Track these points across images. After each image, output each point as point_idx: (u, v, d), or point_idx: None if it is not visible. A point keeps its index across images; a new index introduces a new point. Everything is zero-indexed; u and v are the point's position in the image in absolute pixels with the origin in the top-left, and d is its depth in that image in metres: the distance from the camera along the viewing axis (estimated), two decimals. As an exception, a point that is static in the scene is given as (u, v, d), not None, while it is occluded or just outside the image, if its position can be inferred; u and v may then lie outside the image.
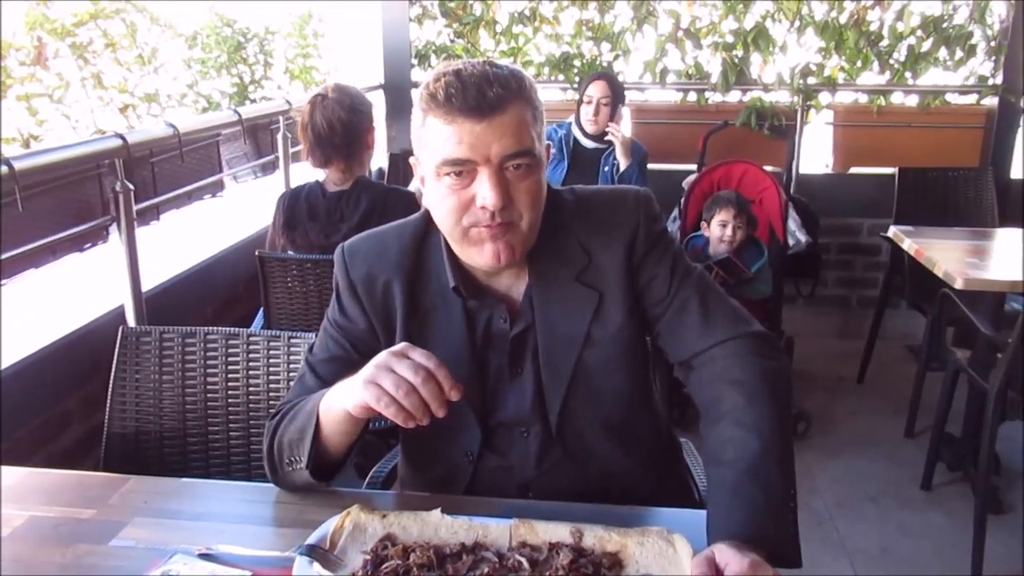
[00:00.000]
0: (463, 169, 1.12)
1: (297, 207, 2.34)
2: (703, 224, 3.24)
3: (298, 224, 2.33)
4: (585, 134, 3.52)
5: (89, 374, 2.14)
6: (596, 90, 3.44)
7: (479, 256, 1.17)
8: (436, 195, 1.16)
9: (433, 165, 1.13)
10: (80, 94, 7.14)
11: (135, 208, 2.22)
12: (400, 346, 1.05)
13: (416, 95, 1.16)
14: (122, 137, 2.15)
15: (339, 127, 2.27)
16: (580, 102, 3.51)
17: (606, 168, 3.50)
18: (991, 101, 4.12)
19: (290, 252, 2.35)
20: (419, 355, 1.02)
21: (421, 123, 1.14)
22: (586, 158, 3.54)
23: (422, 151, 1.17)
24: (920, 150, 4.13)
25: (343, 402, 1.08)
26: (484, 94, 1.08)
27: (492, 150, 1.10)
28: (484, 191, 1.11)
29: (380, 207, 2.29)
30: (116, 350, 1.56)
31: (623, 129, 3.49)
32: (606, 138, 3.46)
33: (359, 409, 1.05)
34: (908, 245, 2.92)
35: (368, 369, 1.04)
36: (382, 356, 1.04)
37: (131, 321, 2.22)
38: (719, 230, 3.14)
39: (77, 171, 2.22)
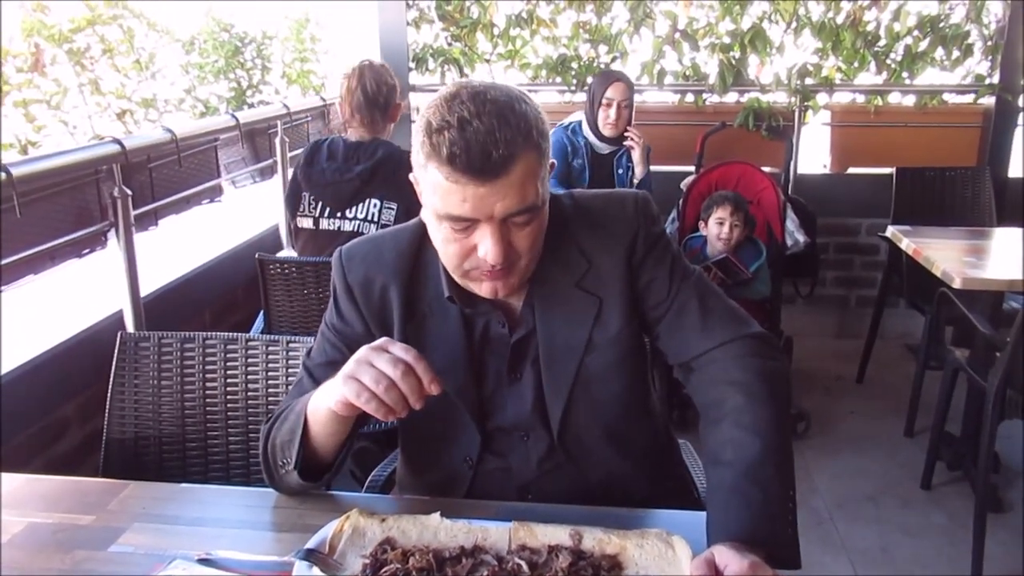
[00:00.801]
0: (465, 223, 1.09)
1: (319, 150, 2.50)
2: (701, 223, 3.24)
3: (316, 162, 2.47)
4: (599, 137, 3.42)
5: (88, 380, 2.14)
6: (616, 93, 3.33)
7: (478, 290, 1.18)
8: (436, 235, 1.15)
9: (433, 211, 1.11)
10: (78, 100, 7.13)
11: (133, 213, 2.22)
12: (380, 341, 1.05)
13: (419, 124, 1.09)
14: (120, 143, 2.15)
15: (386, 89, 2.50)
16: (595, 105, 3.38)
17: (620, 171, 3.44)
18: (988, 100, 4.12)
19: (305, 193, 2.49)
20: (398, 349, 1.03)
21: (423, 164, 1.09)
22: (601, 162, 3.47)
23: (424, 187, 1.13)
24: (917, 150, 4.14)
25: (327, 401, 1.08)
26: (488, 156, 1.03)
27: (495, 209, 1.07)
28: (486, 246, 1.09)
29: (396, 161, 2.41)
30: (115, 356, 1.56)
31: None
32: (625, 143, 3.40)
33: (341, 406, 1.05)
34: (906, 245, 2.92)
35: (348, 365, 1.04)
36: (362, 351, 1.04)
37: (130, 327, 2.22)
38: (716, 228, 3.14)
39: (75, 177, 2.22)
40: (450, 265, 1.16)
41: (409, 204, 2.23)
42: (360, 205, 2.40)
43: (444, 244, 1.14)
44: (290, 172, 3.17)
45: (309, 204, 2.47)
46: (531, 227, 1.12)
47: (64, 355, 2.12)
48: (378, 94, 2.49)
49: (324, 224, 2.44)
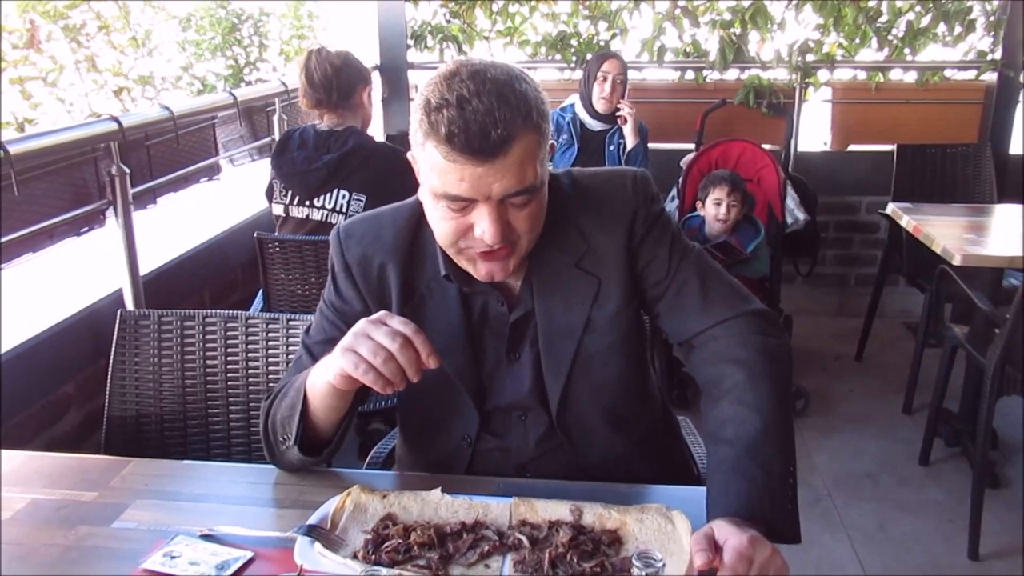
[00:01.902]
0: (463, 203, 1.08)
1: (291, 139, 2.46)
2: (698, 204, 3.24)
3: (287, 150, 2.44)
4: (592, 115, 3.49)
5: (88, 358, 2.14)
6: (611, 67, 3.42)
7: (473, 271, 1.17)
8: (433, 213, 1.14)
9: (430, 189, 1.10)
10: (74, 77, 7.09)
11: (131, 192, 2.21)
12: (379, 314, 1.05)
13: (418, 102, 1.07)
14: (117, 120, 2.14)
15: (331, 72, 2.40)
16: (590, 81, 3.46)
17: (611, 147, 3.48)
18: (990, 77, 4.10)
19: (276, 180, 2.48)
20: (397, 322, 1.03)
21: (421, 142, 1.08)
22: (592, 139, 3.52)
23: (421, 166, 1.12)
24: (919, 126, 4.12)
25: (325, 375, 1.08)
26: (487, 136, 1.01)
27: (493, 189, 1.05)
28: (483, 226, 1.08)
29: (365, 153, 2.38)
30: (115, 334, 1.57)
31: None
32: (617, 115, 3.44)
33: (339, 379, 1.05)
34: (906, 222, 2.92)
35: (347, 338, 1.04)
36: (360, 324, 1.05)
37: (129, 305, 2.22)
38: (713, 209, 3.14)
39: (72, 155, 2.20)
40: (444, 243, 1.15)
41: (379, 198, 2.09)
42: (328, 195, 2.37)
43: (440, 222, 1.13)
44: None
45: (280, 192, 2.46)
46: (529, 208, 1.11)
47: (64, 334, 2.12)
48: (327, 80, 2.39)
49: (294, 212, 2.44)
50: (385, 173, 2.34)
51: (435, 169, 1.07)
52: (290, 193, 2.43)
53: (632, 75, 4.10)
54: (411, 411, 1.36)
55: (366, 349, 1.01)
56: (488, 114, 1.02)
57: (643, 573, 0.83)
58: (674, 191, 3.54)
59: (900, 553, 2.44)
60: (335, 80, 2.40)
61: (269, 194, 2.52)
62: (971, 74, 4.20)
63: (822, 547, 2.46)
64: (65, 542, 1.06)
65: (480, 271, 1.16)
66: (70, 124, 2.70)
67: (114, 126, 2.12)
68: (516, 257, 1.15)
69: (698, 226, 3.24)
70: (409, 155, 1.16)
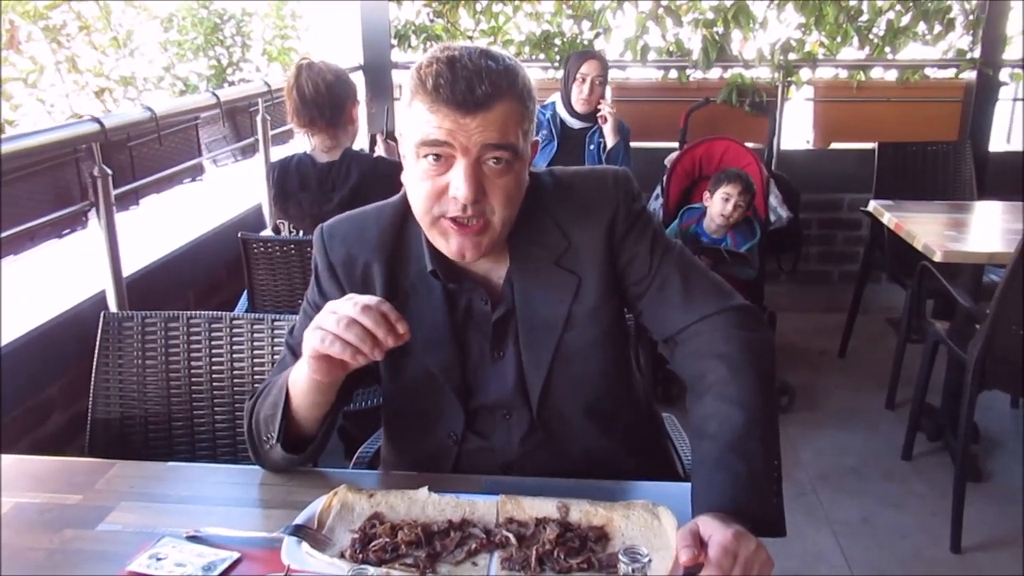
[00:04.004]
0: (441, 153, 1.09)
1: (288, 178, 2.38)
2: (705, 195, 3.23)
3: (290, 195, 2.38)
4: (572, 114, 3.50)
5: (72, 360, 2.12)
6: (590, 68, 3.42)
7: (445, 247, 1.17)
8: (413, 176, 1.15)
9: (413, 144, 1.12)
10: (55, 78, 7.03)
11: (114, 193, 2.20)
12: (345, 296, 1.06)
13: (407, 75, 1.13)
14: (99, 121, 2.12)
15: (324, 88, 2.31)
16: (569, 81, 3.47)
17: (591, 147, 3.50)
18: (969, 75, 4.14)
19: (283, 223, 2.40)
20: (361, 297, 1.04)
21: (408, 103, 1.12)
22: (572, 138, 3.53)
23: (406, 130, 1.15)
24: (899, 125, 4.16)
25: (304, 367, 1.09)
26: (473, 90, 1.06)
27: (472, 139, 1.08)
28: (458, 181, 1.09)
29: (371, 177, 2.33)
30: (98, 336, 1.56)
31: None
32: (598, 115, 3.45)
33: (312, 361, 1.06)
34: (888, 219, 2.94)
35: (314, 320, 1.05)
36: (327, 304, 1.06)
37: (113, 307, 2.21)
38: (721, 204, 3.14)
39: (54, 156, 2.18)
40: (421, 209, 1.15)
41: None
42: None
43: (418, 184, 1.13)
44: (272, 151, 3.16)
45: (290, 230, 2.43)
46: (507, 177, 1.12)
47: (47, 336, 2.11)
48: (317, 96, 2.31)
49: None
50: (393, 176, 2.31)
51: (418, 121, 1.10)
52: (303, 233, 2.40)
53: (615, 74, 4.12)
54: (396, 410, 1.36)
55: (330, 322, 1.02)
56: (476, 72, 1.07)
57: (629, 569, 0.84)
58: (658, 189, 3.56)
59: (884, 546, 2.46)
60: (328, 96, 2.32)
61: (276, 230, 2.49)
62: (951, 72, 4.25)
63: (807, 541, 2.48)
64: (50, 545, 1.05)
65: (452, 246, 1.15)
66: (51, 125, 2.68)
67: (96, 127, 2.11)
68: (488, 236, 1.15)
69: (696, 218, 3.25)
70: (397, 132, 1.19)
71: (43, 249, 2.24)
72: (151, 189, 2.75)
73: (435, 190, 1.12)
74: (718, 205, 3.15)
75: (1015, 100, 4.33)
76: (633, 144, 3.60)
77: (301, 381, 1.12)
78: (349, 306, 1.02)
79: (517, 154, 1.12)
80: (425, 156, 1.11)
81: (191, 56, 7.83)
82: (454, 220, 1.13)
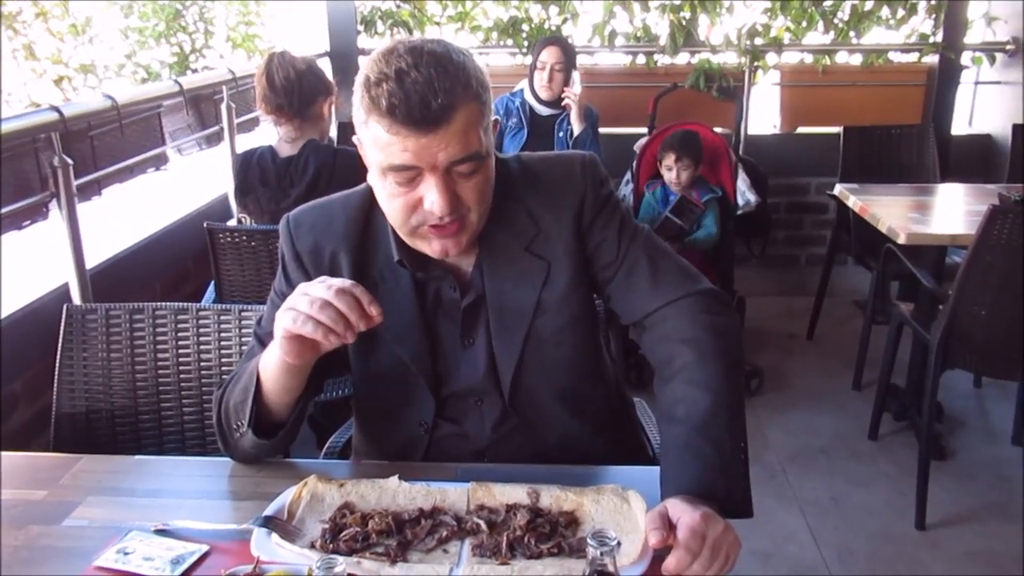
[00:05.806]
0: (409, 174, 1.08)
1: (249, 172, 2.35)
2: (661, 169, 3.33)
3: (250, 190, 2.35)
4: (539, 100, 3.50)
5: (35, 354, 2.09)
6: (549, 56, 3.42)
7: (427, 249, 1.17)
8: (382, 192, 1.14)
9: (378, 166, 1.10)
10: (11, 66, 6.88)
11: (75, 183, 2.16)
12: (318, 279, 1.05)
13: (358, 81, 1.08)
14: (58, 110, 2.08)
15: (295, 76, 2.29)
16: (533, 68, 3.48)
17: (560, 133, 3.50)
18: (932, 59, 4.20)
19: (244, 216, 2.37)
20: (334, 280, 1.04)
21: (363, 120, 1.08)
22: (542, 124, 3.53)
23: (367, 147, 1.12)
24: (864, 108, 4.20)
25: (275, 351, 1.08)
26: (428, 106, 1.02)
27: (438, 158, 1.06)
28: (432, 196, 1.08)
29: (328, 170, 2.29)
30: (62, 329, 1.53)
31: (579, 93, 3.47)
32: (563, 103, 3.45)
33: (284, 342, 1.05)
34: (853, 202, 2.98)
35: (286, 302, 1.05)
36: (299, 287, 1.05)
37: (76, 299, 2.17)
38: (667, 174, 3.28)
39: (12, 146, 2.14)
40: (397, 222, 1.15)
41: None
42: None
43: (390, 200, 1.13)
44: (238, 139, 3.12)
45: (251, 224, 2.42)
46: (476, 179, 1.11)
47: (9, 330, 2.07)
48: (288, 84, 2.28)
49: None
50: (355, 167, 2.29)
51: (379, 144, 1.07)
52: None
53: (584, 60, 4.11)
54: (367, 399, 1.35)
55: (303, 303, 1.02)
56: (428, 84, 1.03)
57: (598, 552, 0.84)
58: (628, 175, 3.57)
59: (851, 525, 2.51)
60: (297, 85, 2.29)
61: (240, 223, 2.46)
62: (914, 56, 4.29)
63: (776, 521, 2.51)
64: (15, 542, 1.04)
65: (435, 248, 1.15)
66: (8, 115, 2.63)
67: (55, 116, 2.07)
68: (468, 232, 1.15)
69: (661, 182, 3.34)
70: (355, 138, 1.15)
71: (3, 241, 2.20)
72: (114, 179, 2.71)
73: (408, 204, 1.11)
74: (667, 175, 3.29)
75: (976, 83, 4.38)
76: (602, 130, 3.61)
77: (272, 365, 1.11)
78: (322, 288, 1.02)
79: (483, 156, 1.11)
80: (392, 177, 1.09)
81: (153, 43, 7.70)
82: (433, 226, 1.12)
